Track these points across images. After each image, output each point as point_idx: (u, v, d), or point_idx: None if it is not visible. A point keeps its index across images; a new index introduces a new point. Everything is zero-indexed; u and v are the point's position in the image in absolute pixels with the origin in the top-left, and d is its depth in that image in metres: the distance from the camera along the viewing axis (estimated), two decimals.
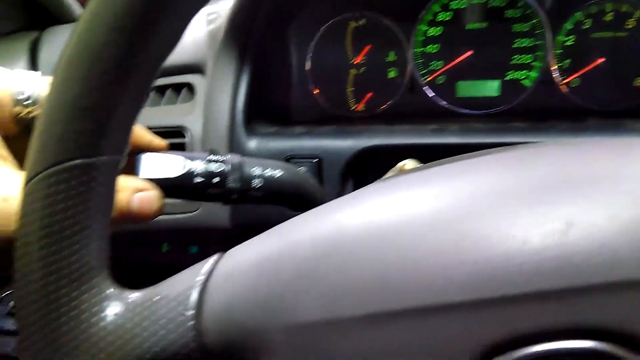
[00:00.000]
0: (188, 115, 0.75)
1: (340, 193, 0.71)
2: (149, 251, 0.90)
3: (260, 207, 0.68)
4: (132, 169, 0.42)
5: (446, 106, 0.80)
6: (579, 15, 0.74)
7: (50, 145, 0.28)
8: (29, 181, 0.28)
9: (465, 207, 0.25)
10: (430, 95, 0.80)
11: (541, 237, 0.23)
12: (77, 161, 0.28)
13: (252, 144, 0.72)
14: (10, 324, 0.78)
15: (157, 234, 0.77)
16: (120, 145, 0.30)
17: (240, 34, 0.73)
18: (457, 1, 0.77)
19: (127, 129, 0.30)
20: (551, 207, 0.23)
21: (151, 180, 0.43)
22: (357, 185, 0.73)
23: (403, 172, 0.57)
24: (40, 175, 0.28)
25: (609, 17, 0.73)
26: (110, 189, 0.30)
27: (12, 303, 0.79)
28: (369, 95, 0.82)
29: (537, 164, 0.27)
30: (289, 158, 0.71)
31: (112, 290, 0.30)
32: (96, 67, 0.27)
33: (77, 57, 0.27)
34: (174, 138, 0.74)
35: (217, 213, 0.73)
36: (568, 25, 0.74)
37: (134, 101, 0.30)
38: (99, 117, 0.28)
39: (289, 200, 0.48)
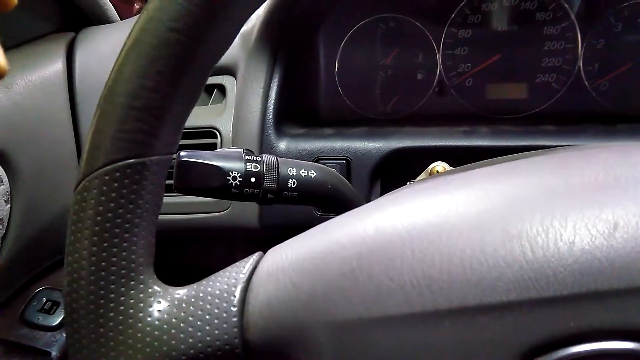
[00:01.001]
0: (219, 116, 0.75)
1: (368, 194, 0.71)
2: (178, 249, 0.92)
3: (288, 208, 0.68)
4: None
5: (475, 109, 0.80)
6: (610, 18, 0.73)
7: (104, 144, 0.29)
8: (83, 179, 0.29)
9: (511, 207, 0.25)
10: (458, 98, 0.80)
11: (589, 238, 0.23)
12: (130, 161, 0.29)
13: (282, 145, 0.72)
14: (41, 319, 0.80)
15: (186, 232, 0.78)
16: (171, 145, 0.31)
17: (273, 37, 0.73)
18: (487, 4, 0.77)
19: (179, 129, 0.31)
20: (598, 208, 0.24)
21: (190, 187, 0.43)
22: (385, 187, 0.73)
23: (437, 174, 0.57)
24: (94, 174, 0.29)
25: None
26: (159, 188, 0.31)
27: (44, 298, 0.81)
28: (396, 97, 0.82)
29: (582, 165, 0.27)
30: (318, 159, 0.71)
31: (157, 287, 0.31)
32: (152, 68, 0.28)
33: (132, 57, 0.28)
34: (206, 138, 0.75)
35: (246, 213, 0.74)
36: (599, 28, 0.74)
37: (187, 102, 0.31)
38: (153, 117, 0.29)
39: (323, 201, 0.49)
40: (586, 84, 0.75)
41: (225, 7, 0.29)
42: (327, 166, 0.55)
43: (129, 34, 0.29)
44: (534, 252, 0.23)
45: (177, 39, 0.28)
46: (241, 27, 0.32)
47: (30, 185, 0.74)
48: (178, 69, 0.28)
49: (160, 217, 0.77)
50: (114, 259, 0.29)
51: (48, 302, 0.80)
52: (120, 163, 0.29)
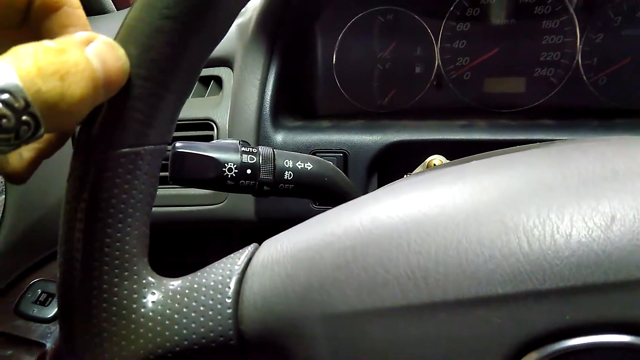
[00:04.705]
0: (216, 108, 0.75)
1: (365, 187, 0.71)
2: (175, 242, 0.91)
3: (285, 201, 0.68)
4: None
5: (473, 103, 0.79)
6: (609, 12, 0.73)
7: (97, 134, 0.28)
8: (76, 169, 0.29)
9: (508, 199, 0.25)
10: (456, 92, 0.80)
11: (586, 231, 0.23)
12: (124, 150, 0.28)
13: (279, 137, 0.72)
14: (36, 311, 0.79)
15: (183, 224, 0.78)
16: (166, 135, 0.31)
17: (270, 28, 0.73)
18: None
19: (173, 119, 0.31)
20: (595, 201, 0.24)
21: (185, 178, 0.43)
22: (382, 180, 0.73)
23: (434, 167, 0.57)
24: (87, 163, 0.28)
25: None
26: (153, 178, 0.31)
27: (39, 290, 0.81)
28: (394, 90, 0.82)
29: (580, 158, 0.27)
30: (315, 152, 0.71)
31: (151, 278, 0.31)
32: (146, 56, 0.28)
33: (126, 45, 0.28)
34: (203, 130, 0.75)
35: (243, 205, 0.73)
36: (597, 23, 0.73)
37: (181, 91, 0.30)
38: (147, 106, 0.28)
39: (319, 193, 0.48)
40: (584, 78, 0.75)
41: None
42: (324, 159, 0.55)
43: (123, 22, 0.28)
44: (530, 245, 0.23)
45: (171, 27, 0.27)
46: (236, 16, 0.32)
47: None
48: (172, 57, 0.28)
49: (156, 209, 0.77)
50: (107, 249, 0.29)
51: (43, 294, 0.80)
52: (113, 152, 0.28)
